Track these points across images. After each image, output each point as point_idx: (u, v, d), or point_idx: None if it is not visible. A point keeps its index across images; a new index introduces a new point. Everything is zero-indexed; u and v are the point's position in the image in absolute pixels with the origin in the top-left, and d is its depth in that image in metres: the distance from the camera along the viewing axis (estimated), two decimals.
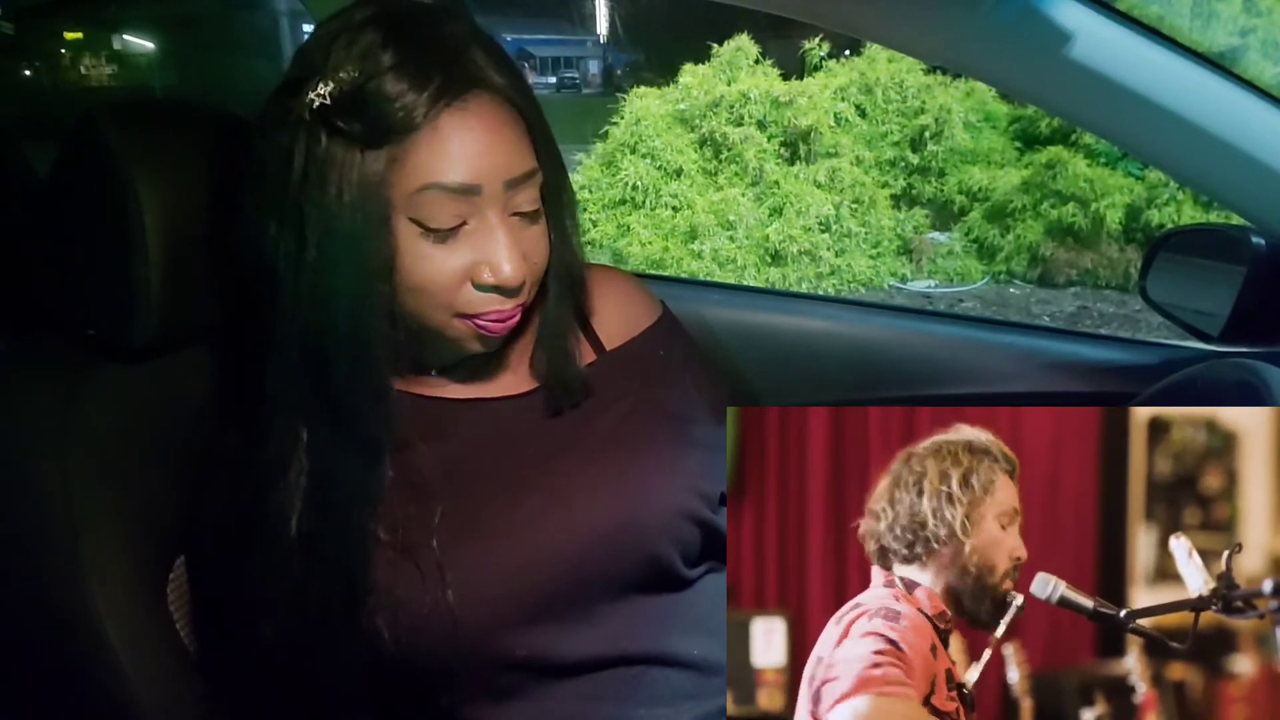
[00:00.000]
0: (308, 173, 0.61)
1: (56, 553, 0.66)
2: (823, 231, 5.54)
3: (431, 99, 0.61)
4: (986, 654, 0.57)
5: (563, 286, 0.74)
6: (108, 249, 0.69)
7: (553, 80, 19.36)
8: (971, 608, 0.57)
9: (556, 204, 0.70)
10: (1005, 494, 0.57)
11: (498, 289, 0.65)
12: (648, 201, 5.68)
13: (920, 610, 0.56)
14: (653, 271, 5.02)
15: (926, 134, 5.82)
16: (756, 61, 6.07)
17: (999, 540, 0.57)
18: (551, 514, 0.69)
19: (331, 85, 0.60)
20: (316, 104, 0.60)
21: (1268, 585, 0.54)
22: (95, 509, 0.67)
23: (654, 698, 0.70)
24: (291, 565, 0.64)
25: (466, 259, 0.64)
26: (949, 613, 0.56)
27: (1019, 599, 0.56)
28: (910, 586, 0.57)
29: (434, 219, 0.62)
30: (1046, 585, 0.57)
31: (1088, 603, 0.57)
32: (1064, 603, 0.57)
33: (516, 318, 0.68)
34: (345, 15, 0.64)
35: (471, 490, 0.69)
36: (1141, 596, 0.74)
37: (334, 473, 0.65)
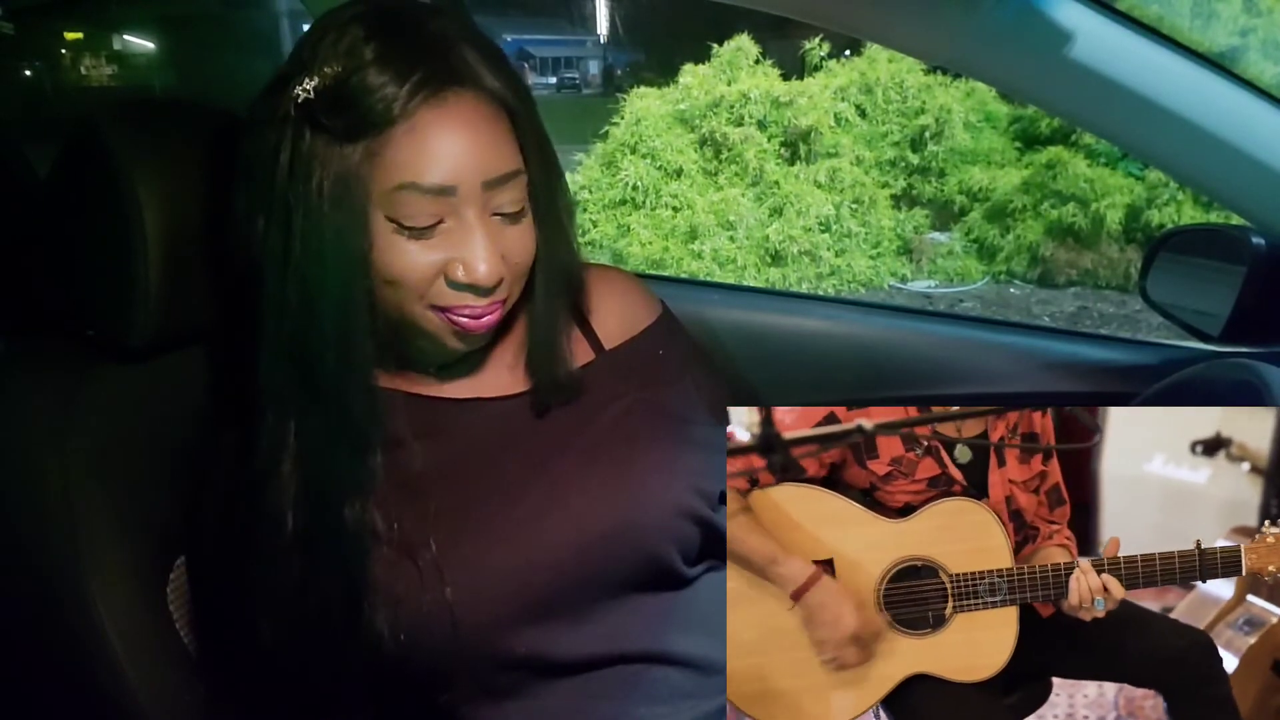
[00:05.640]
0: (293, 168, 0.61)
1: (56, 553, 0.66)
2: (823, 231, 5.54)
3: (410, 92, 0.61)
4: None
5: (553, 286, 0.73)
6: (108, 249, 0.69)
7: (553, 80, 19.34)
8: None
9: (549, 204, 0.70)
10: None
11: (471, 287, 0.65)
12: (648, 202, 5.68)
13: None
14: (653, 271, 5.01)
15: (926, 134, 5.81)
16: (756, 61, 6.06)
17: None
18: (550, 513, 0.69)
19: (316, 80, 0.61)
20: (301, 99, 0.61)
21: None
22: (95, 509, 0.67)
23: (653, 696, 0.70)
24: (289, 564, 0.64)
25: (442, 255, 0.64)
26: None
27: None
28: None
29: (411, 218, 0.62)
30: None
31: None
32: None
33: (495, 315, 0.68)
34: (337, 12, 0.64)
35: (469, 489, 0.69)
36: None
37: (323, 468, 0.65)
